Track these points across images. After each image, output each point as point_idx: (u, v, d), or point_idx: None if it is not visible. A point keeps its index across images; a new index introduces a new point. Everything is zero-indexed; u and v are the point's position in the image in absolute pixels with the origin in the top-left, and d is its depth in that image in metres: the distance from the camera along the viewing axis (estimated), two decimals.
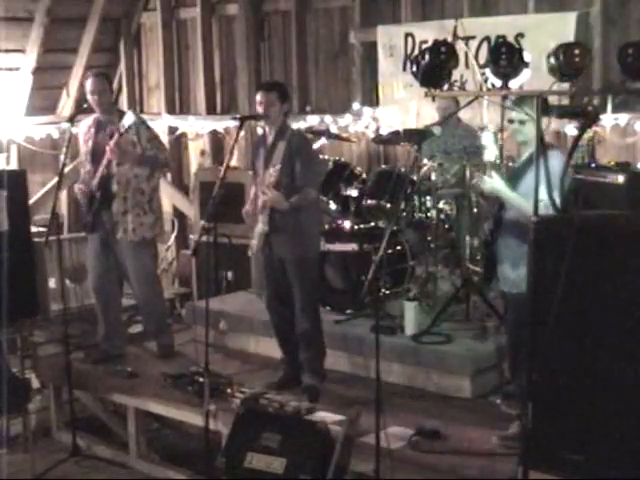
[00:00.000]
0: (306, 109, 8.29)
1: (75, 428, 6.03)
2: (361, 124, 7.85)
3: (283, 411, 4.88)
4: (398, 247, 6.50)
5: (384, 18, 7.77)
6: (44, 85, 8.97)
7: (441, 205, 6.53)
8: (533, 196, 4.09)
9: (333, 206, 6.72)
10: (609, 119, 6.40)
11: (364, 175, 6.90)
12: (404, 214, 6.47)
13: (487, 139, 5.56)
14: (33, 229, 6.88)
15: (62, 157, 5.88)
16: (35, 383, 6.64)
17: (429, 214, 6.50)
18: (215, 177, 5.30)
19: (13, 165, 8.77)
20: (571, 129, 6.45)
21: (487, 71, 4.45)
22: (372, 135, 7.72)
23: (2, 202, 6.33)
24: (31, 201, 7.63)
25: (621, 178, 4.07)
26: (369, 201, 6.54)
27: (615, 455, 3.78)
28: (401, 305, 6.13)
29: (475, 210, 6.30)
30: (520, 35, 6.63)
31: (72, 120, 6.10)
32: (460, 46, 6.61)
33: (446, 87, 4.52)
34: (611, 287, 3.75)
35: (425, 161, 6.46)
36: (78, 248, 7.47)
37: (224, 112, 8.85)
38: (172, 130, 9.09)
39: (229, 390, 5.53)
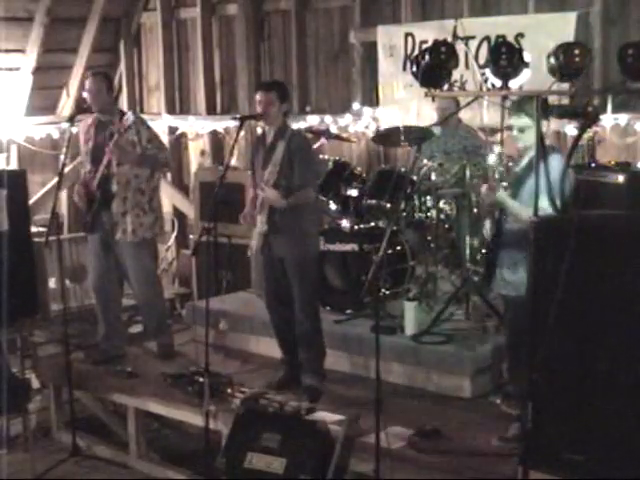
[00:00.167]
0: (306, 109, 8.29)
1: (75, 428, 6.02)
2: (361, 124, 7.85)
3: (283, 411, 4.88)
4: (398, 247, 6.51)
5: (384, 18, 7.77)
6: (44, 85, 8.97)
7: (441, 205, 6.52)
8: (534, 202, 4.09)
9: (333, 206, 6.72)
10: (609, 119, 6.40)
11: (364, 175, 6.90)
12: (404, 214, 6.47)
13: (492, 160, 5.56)
14: (33, 229, 6.88)
15: (62, 157, 5.88)
16: (35, 383, 6.64)
17: (429, 214, 6.50)
18: (215, 177, 5.30)
19: (13, 165, 8.77)
20: (571, 129, 6.45)
21: (487, 71, 4.46)
22: (372, 135, 7.72)
23: (2, 202, 6.32)
24: (31, 201, 7.63)
25: (621, 178, 4.08)
26: (369, 201, 6.54)
27: (615, 455, 3.79)
28: (401, 305, 6.13)
29: (475, 210, 6.30)
30: (520, 35, 6.63)
31: (72, 120, 6.11)
32: (460, 46, 6.62)
33: (446, 87, 4.52)
34: (611, 287, 3.75)
35: (425, 161, 6.46)
36: (78, 248, 7.48)
37: (224, 112, 8.85)
38: (172, 130, 9.09)
39: (229, 390, 5.53)
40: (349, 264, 6.47)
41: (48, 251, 6.64)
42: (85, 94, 6.20)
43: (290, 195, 5.33)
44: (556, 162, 4.36)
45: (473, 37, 6.91)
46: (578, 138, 4.58)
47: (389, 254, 6.29)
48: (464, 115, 6.76)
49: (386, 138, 7.15)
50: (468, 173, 6.20)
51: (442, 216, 6.53)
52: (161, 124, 8.87)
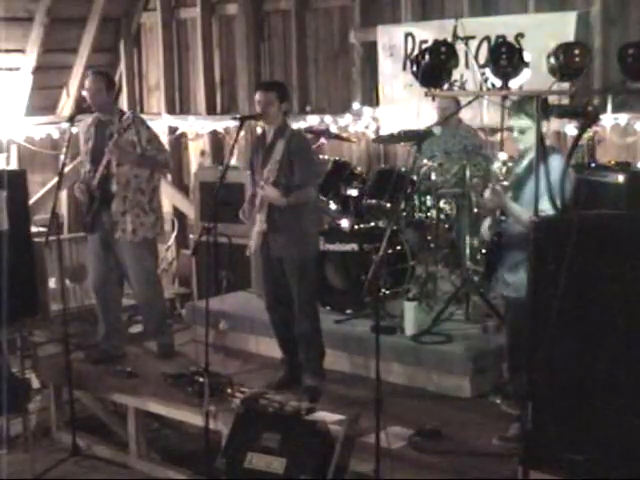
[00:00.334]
0: (306, 109, 8.29)
1: (75, 428, 6.02)
2: (361, 124, 7.85)
3: (283, 411, 4.87)
4: (398, 247, 6.51)
5: (384, 18, 7.77)
6: (44, 85, 8.97)
7: (441, 205, 6.53)
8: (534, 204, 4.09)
9: (333, 206, 6.72)
10: (609, 119, 6.40)
11: (364, 175, 6.90)
12: (404, 214, 6.47)
13: (496, 166, 5.58)
14: (33, 229, 6.88)
15: (62, 157, 5.88)
16: (35, 383, 6.65)
17: (429, 214, 6.50)
18: (215, 177, 5.29)
19: (13, 165, 8.77)
20: (571, 129, 6.45)
21: (487, 71, 4.45)
22: (372, 135, 7.72)
23: (2, 202, 6.32)
24: (31, 201, 7.63)
25: (621, 178, 4.08)
26: (369, 201, 6.54)
27: (615, 455, 3.79)
28: (401, 305, 6.13)
29: (475, 210, 6.30)
30: (520, 35, 6.62)
31: (72, 120, 6.11)
32: (460, 46, 6.62)
33: (446, 87, 4.52)
34: (611, 287, 3.75)
35: (425, 161, 6.46)
36: (78, 248, 7.47)
37: (224, 112, 8.85)
38: (172, 130, 9.09)
39: (229, 390, 5.53)
40: (349, 264, 6.47)
41: (48, 251, 6.64)
42: (84, 93, 6.21)
43: (290, 194, 5.33)
44: (556, 162, 4.36)
45: (473, 37, 6.91)
46: (578, 138, 4.59)
47: (389, 254, 6.29)
48: (464, 115, 6.76)
49: (386, 138, 7.18)
50: (468, 173, 6.20)
51: (442, 216, 6.53)
52: (161, 124, 8.87)
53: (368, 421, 4.61)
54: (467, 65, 6.81)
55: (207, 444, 5.11)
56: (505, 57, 4.16)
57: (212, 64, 8.93)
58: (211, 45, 8.87)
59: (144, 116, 6.93)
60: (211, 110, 8.92)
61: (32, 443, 6.05)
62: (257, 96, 5.44)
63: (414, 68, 4.58)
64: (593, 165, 5.58)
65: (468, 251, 6.25)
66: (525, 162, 4.65)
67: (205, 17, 8.78)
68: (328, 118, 7.98)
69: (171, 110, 9.20)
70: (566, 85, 4.26)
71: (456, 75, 5.20)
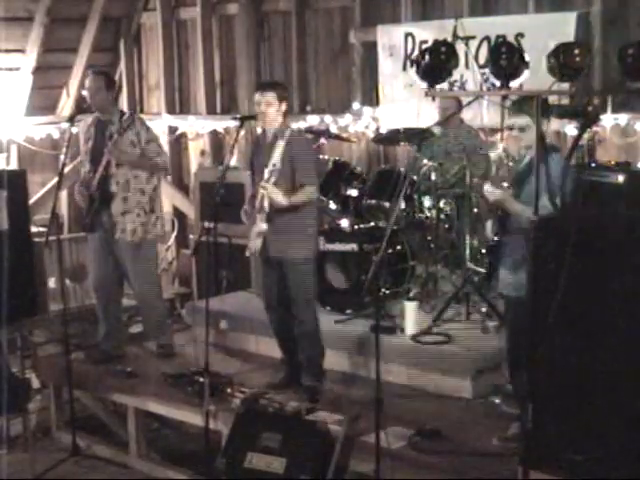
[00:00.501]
0: (306, 109, 8.29)
1: (75, 428, 6.02)
2: (361, 124, 7.85)
3: (283, 411, 4.88)
4: (398, 247, 6.51)
5: (384, 18, 7.77)
6: (44, 85, 8.97)
7: (441, 205, 6.53)
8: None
9: (333, 206, 6.72)
10: (609, 119, 6.40)
11: (364, 175, 6.90)
12: (404, 214, 6.47)
13: (495, 155, 5.60)
14: (33, 229, 6.89)
15: (62, 157, 5.88)
16: (35, 383, 6.64)
17: (429, 214, 6.51)
18: (215, 177, 5.29)
19: (13, 165, 8.77)
20: (571, 129, 6.45)
21: (487, 71, 4.45)
22: (372, 135, 7.72)
23: (2, 202, 6.33)
24: (31, 201, 7.63)
25: (621, 178, 4.07)
26: (369, 201, 6.54)
27: (615, 455, 3.79)
28: (401, 305, 6.13)
29: (475, 210, 6.30)
30: (520, 35, 6.62)
31: (72, 120, 6.11)
32: (460, 46, 6.63)
33: (446, 87, 4.52)
34: (611, 287, 3.75)
35: (425, 161, 6.46)
36: (78, 248, 7.47)
37: (224, 112, 8.85)
38: (172, 130, 9.09)
39: (229, 390, 5.53)
40: (349, 264, 6.48)
41: (48, 251, 6.64)
42: (84, 92, 6.22)
43: (291, 194, 5.33)
44: (556, 161, 4.36)
45: (473, 37, 6.92)
46: (578, 138, 4.59)
47: (389, 254, 6.30)
48: (464, 115, 6.76)
49: (386, 138, 7.18)
50: (468, 173, 6.20)
51: (442, 216, 6.53)
52: (161, 124, 8.87)
53: (368, 421, 4.62)
54: (467, 65, 6.82)
55: (207, 444, 5.11)
56: (505, 57, 4.16)
57: (212, 64, 8.93)
58: (211, 45, 8.86)
59: (144, 116, 6.94)
60: (211, 110, 8.92)
61: (32, 443, 6.04)
62: (256, 96, 5.44)
63: (415, 68, 4.57)
64: (593, 165, 5.58)
65: (468, 251, 6.25)
66: (526, 160, 4.66)
67: (205, 17, 8.78)
68: (328, 118, 7.97)
69: (171, 110, 9.19)
70: (566, 85, 4.26)
71: (456, 75, 5.21)
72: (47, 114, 9.14)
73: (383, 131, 7.57)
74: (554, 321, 3.79)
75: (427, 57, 4.28)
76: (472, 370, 5.52)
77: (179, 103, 9.30)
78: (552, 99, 4.61)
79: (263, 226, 5.38)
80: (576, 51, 4.05)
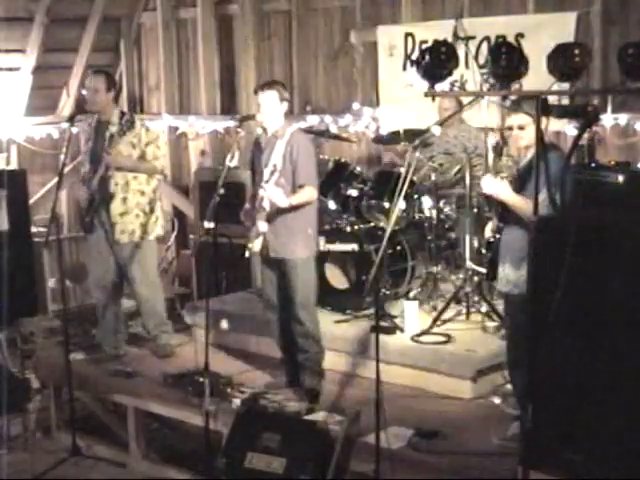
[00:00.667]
0: (306, 109, 8.29)
1: (75, 428, 6.02)
2: (361, 124, 7.85)
3: (283, 411, 4.88)
4: (398, 247, 6.51)
5: (384, 18, 7.77)
6: (44, 85, 8.97)
7: (441, 205, 6.53)
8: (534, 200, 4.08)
9: (333, 206, 6.72)
10: (609, 119, 6.41)
11: (364, 175, 6.90)
12: (404, 214, 6.47)
13: (490, 144, 5.61)
14: (33, 229, 6.89)
15: (62, 157, 5.88)
16: (35, 383, 6.64)
17: (429, 214, 6.51)
18: (215, 177, 5.29)
19: (13, 165, 8.77)
20: (571, 129, 6.45)
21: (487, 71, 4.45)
22: (372, 135, 7.72)
23: (2, 202, 6.33)
24: (31, 201, 7.63)
25: (621, 178, 4.07)
26: (369, 201, 6.54)
27: (615, 455, 3.79)
28: (401, 305, 6.13)
29: (475, 210, 6.30)
30: (520, 35, 6.63)
31: (72, 120, 6.10)
32: (460, 46, 6.63)
33: (446, 87, 4.52)
34: (611, 287, 3.75)
35: (425, 161, 6.46)
36: (78, 248, 7.50)
37: (224, 112, 8.85)
38: (172, 130, 9.09)
39: (229, 390, 5.53)
40: (349, 264, 6.48)
41: (48, 251, 6.64)
42: (85, 92, 6.23)
43: (291, 195, 5.33)
44: (555, 159, 4.36)
45: (473, 37, 6.92)
46: (578, 138, 4.56)
47: (389, 254, 6.30)
48: (464, 115, 6.76)
49: (386, 138, 7.18)
50: (468, 173, 6.20)
51: (442, 216, 6.53)
52: (161, 124, 8.87)
53: (368, 421, 4.62)
54: (467, 65, 6.81)
55: (207, 444, 5.10)
56: (505, 57, 4.16)
57: (212, 64, 8.92)
58: (211, 45, 8.86)
59: (144, 116, 6.94)
60: (211, 110, 8.92)
61: (32, 443, 6.05)
62: (256, 96, 5.44)
63: (415, 68, 4.57)
64: (593, 165, 5.57)
65: (468, 251, 6.25)
66: (526, 159, 4.66)
67: (205, 17, 8.77)
68: (328, 118, 7.98)
69: (171, 110, 9.19)
70: (566, 85, 4.26)
71: (456, 75, 5.20)
72: (47, 114, 9.13)
73: (383, 131, 7.58)
74: (554, 321, 3.78)
75: (427, 57, 4.28)
76: (472, 370, 5.52)
77: (179, 103, 9.29)
78: (552, 99, 4.60)
79: (263, 226, 5.38)
80: (576, 51, 4.06)
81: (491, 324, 5.94)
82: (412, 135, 6.49)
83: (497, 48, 4.32)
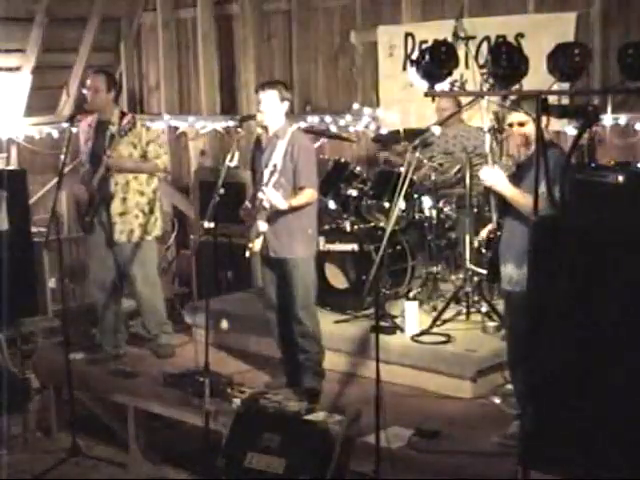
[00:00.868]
0: (306, 109, 8.29)
1: (75, 428, 6.02)
2: (361, 124, 7.86)
3: (283, 411, 4.88)
4: (398, 247, 6.51)
5: (384, 18, 7.77)
6: (44, 85, 8.96)
7: (441, 205, 6.53)
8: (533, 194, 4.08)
9: (333, 206, 6.72)
10: (609, 119, 6.40)
11: (364, 175, 6.90)
12: (404, 214, 6.47)
13: (486, 127, 5.63)
14: (33, 229, 6.89)
15: (62, 157, 5.88)
16: (35, 383, 6.65)
17: (429, 214, 6.51)
18: (215, 177, 5.29)
19: (13, 165, 8.77)
20: (571, 129, 6.45)
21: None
22: (372, 135, 7.72)
23: (2, 202, 6.33)
24: (31, 201, 7.63)
25: (621, 178, 4.06)
26: (369, 201, 6.54)
27: (615, 455, 3.78)
28: (401, 305, 6.13)
29: (475, 210, 6.30)
30: (520, 35, 6.63)
31: (72, 120, 6.11)
32: (460, 46, 6.63)
33: (446, 87, 4.52)
34: (611, 287, 3.75)
35: (425, 161, 6.46)
36: (78, 248, 7.49)
37: (224, 112, 8.85)
38: (172, 130, 9.09)
39: (229, 390, 5.53)
40: (349, 264, 6.47)
41: (48, 251, 6.64)
42: (85, 92, 6.23)
43: (291, 195, 5.33)
44: (553, 157, 4.36)
45: (473, 37, 6.92)
46: (578, 138, 4.57)
47: (389, 254, 6.29)
48: (464, 115, 6.76)
49: (386, 138, 7.18)
50: (468, 173, 6.20)
51: (442, 216, 6.53)
52: (161, 124, 8.87)
53: (368, 421, 4.61)
54: (467, 65, 6.82)
55: (207, 444, 5.10)
56: (505, 57, 4.16)
57: (212, 64, 8.92)
58: (211, 45, 8.86)
59: (144, 116, 6.94)
60: (211, 110, 8.92)
61: (32, 443, 6.05)
62: (257, 96, 5.44)
63: (415, 68, 4.57)
64: (593, 165, 5.58)
65: (468, 251, 6.25)
66: (525, 156, 4.66)
67: (205, 17, 8.77)
68: (328, 118, 7.98)
69: (171, 110, 9.19)
70: (566, 85, 4.26)
71: (456, 75, 5.20)
72: (47, 114, 9.13)
73: (383, 131, 7.58)
74: (554, 320, 3.78)
75: (427, 57, 4.28)
76: (472, 370, 5.52)
77: (179, 103, 9.29)
78: (552, 99, 4.61)
79: (263, 226, 5.37)
80: (576, 51, 4.06)
81: (491, 324, 5.93)
82: (412, 135, 6.49)
83: (497, 48, 4.32)
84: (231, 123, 8.37)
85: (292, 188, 5.36)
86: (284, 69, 8.47)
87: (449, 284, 6.51)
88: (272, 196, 5.27)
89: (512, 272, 4.66)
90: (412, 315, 5.95)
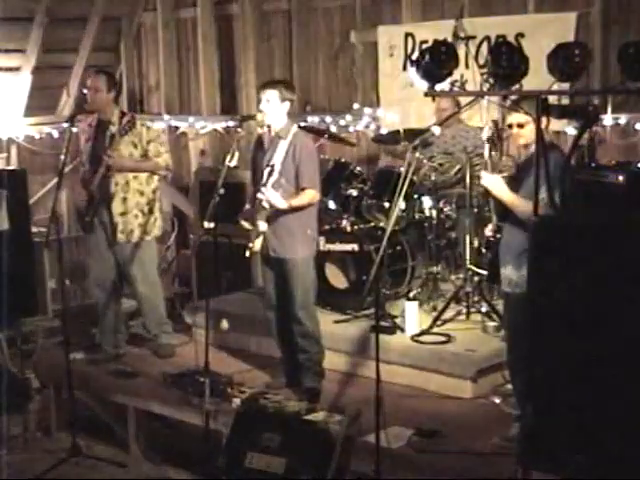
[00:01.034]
0: (306, 109, 8.29)
1: (75, 428, 6.02)
2: (361, 124, 7.85)
3: (283, 411, 4.88)
4: (398, 247, 6.51)
5: (384, 18, 7.77)
6: (44, 85, 8.96)
7: (441, 205, 6.53)
8: (533, 197, 4.08)
9: (333, 206, 6.72)
10: (609, 119, 6.40)
11: (364, 175, 6.90)
12: (404, 214, 6.47)
13: (485, 136, 5.63)
14: (33, 229, 6.88)
15: (62, 157, 5.88)
16: (35, 383, 6.64)
17: (429, 214, 6.51)
18: (215, 177, 5.29)
19: (13, 165, 8.77)
20: (571, 129, 6.45)
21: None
22: (372, 135, 7.72)
23: (2, 202, 6.33)
24: (31, 201, 7.63)
25: (621, 178, 4.07)
26: (369, 201, 6.54)
27: (616, 455, 3.78)
28: (401, 305, 6.13)
29: (475, 210, 6.30)
30: (520, 35, 6.63)
31: (72, 120, 6.11)
32: (460, 46, 6.63)
33: (446, 87, 4.52)
34: (611, 287, 3.75)
35: (425, 161, 6.46)
36: (78, 248, 7.48)
37: (224, 112, 8.85)
38: (172, 130, 9.09)
39: (229, 390, 5.53)
40: (349, 264, 6.48)
41: (48, 251, 6.63)
42: (85, 92, 6.24)
43: (291, 196, 5.33)
44: (554, 159, 4.36)
45: (473, 37, 6.93)
46: (578, 138, 4.57)
47: (389, 254, 6.29)
48: (463, 115, 6.76)
49: (386, 138, 7.18)
50: (468, 173, 6.20)
51: (442, 216, 6.53)
52: (161, 124, 8.86)
53: (368, 421, 4.61)
54: (467, 65, 6.82)
55: (207, 444, 5.10)
56: (505, 57, 4.16)
57: (212, 64, 8.92)
58: (211, 45, 8.86)
59: (144, 116, 6.93)
60: (211, 110, 8.92)
61: (32, 443, 6.05)
62: (259, 95, 5.43)
63: (414, 68, 4.57)
64: (593, 165, 5.58)
65: (468, 251, 6.25)
66: (525, 157, 4.66)
67: (205, 17, 8.77)
68: (328, 118, 7.98)
69: (171, 110, 9.19)
70: (566, 85, 4.26)
71: (456, 75, 5.20)
72: (47, 114, 9.13)
73: (383, 131, 7.58)
74: (554, 321, 3.78)
75: (427, 57, 4.28)
76: (472, 370, 5.52)
77: (179, 103, 9.29)
78: (552, 99, 4.61)
79: (263, 226, 5.37)
80: (576, 51, 4.06)
81: (491, 324, 5.93)
82: (412, 135, 6.49)
83: (497, 48, 4.32)
84: (231, 123, 8.38)
85: (294, 188, 5.36)
86: (284, 69, 8.47)
87: (449, 284, 6.51)
88: (271, 196, 5.27)
89: (511, 274, 4.66)
90: (412, 315, 5.95)
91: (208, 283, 6.59)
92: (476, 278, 6.17)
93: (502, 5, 7.13)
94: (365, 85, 7.94)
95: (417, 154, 6.11)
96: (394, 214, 5.11)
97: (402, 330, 5.96)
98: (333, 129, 7.81)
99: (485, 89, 5.88)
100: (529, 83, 4.35)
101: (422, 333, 5.89)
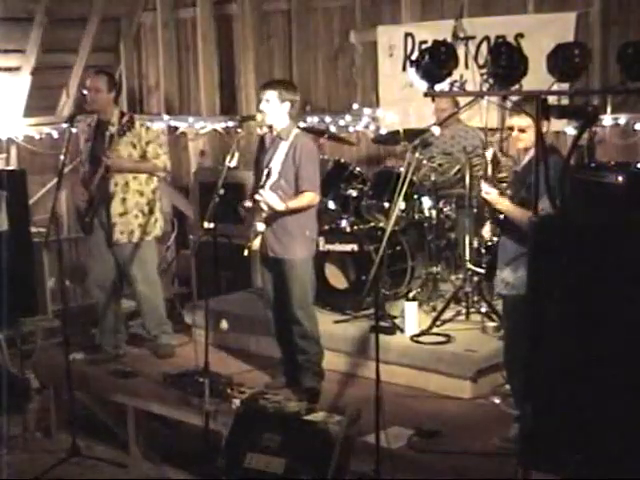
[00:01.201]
0: (306, 109, 8.29)
1: (75, 428, 6.02)
2: (361, 124, 7.86)
3: (283, 411, 4.88)
4: (398, 247, 6.51)
5: (384, 18, 7.77)
6: (44, 85, 8.96)
7: (441, 205, 6.53)
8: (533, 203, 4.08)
9: (333, 206, 6.72)
10: (609, 119, 6.41)
11: (364, 175, 6.90)
12: (404, 214, 6.47)
13: (490, 157, 5.62)
14: (33, 229, 6.89)
15: (62, 157, 5.88)
16: (35, 383, 6.65)
17: (429, 214, 6.51)
18: (215, 177, 5.29)
19: (13, 165, 8.77)
20: (571, 129, 6.46)
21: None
22: (372, 135, 7.72)
23: (2, 202, 6.33)
24: (31, 201, 7.63)
25: (621, 178, 4.06)
26: (369, 201, 6.54)
27: (616, 455, 3.78)
28: (401, 305, 6.13)
29: (475, 210, 6.30)
30: (520, 35, 6.64)
31: (72, 120, 6.10)
32: (460, 46, 6.63)
33: (446, 87, 4.52)
34: (611, 287, 3.75)
35: (425, 162, 6.46)
36: (78, 248, 7.48)
37: (224, 112, 8.85)
38: (172, 130, 9.09)
39: (229, 390, 5.53)
40: (349, 264, 6.47)
41: (48, 251, 6.63)
42: (85, 92, 6.23)
43: (291, 197, 5.32)
44: (554, 163, 4.36)
45: (473, 37, 6.93)
46: (578, 138, 4.56)
47: (389, 254, 6.29)
48: (463, 115, 6.76)
49: (386, 139, 7.18)
50: (468, 173, 6.20)
51: (442, 216, 6.53)
52: (161, 124, 8.86)
53: (368, 421, 4.61)
54: (467, 65, 6.82)
55: (207, 444, 5.10)
56: (505, 57, 4.16)
57: (212, 64, 8.92)
58: (211, 45, 8.86)
59: (144, 116, 6.93)
60: (210, 110, 8.92)
61: (32, 443, 6.05)
62: (260, 95, 5.43)
63: (414, 69, 4.57)
64: (593, 165, 5.58)
65: (468, 251, 6.25)
66: (525, 161, 4.66)
67: (205, 17, 8.77)
68: (328, 118, 7.98)
69: (171, 110, 9.19)
70: (566, 85, 4.26)
71: (456, 75, 5.20)
72: (47, 114, 9.13)
73: (383, 131, 7.58)
74: (554, 321, 3.78)
75: (427, 57, 4.28)
76: (472, 370, 5.52)
77: (179, 103, 9.29)
78: (552, 99, 4.61)
79: (261, 226, 5.37)
80: (576, 51, 4.06)
81: (491, 324, 5.94)
82: (412, 135, 6.49)
83: (497, 48, 4.31)
84: (231, 123, 8.38)
85: (293, 190, 5.35)
86: (284, 69, 8.48)
87: (449, 284, 6.51)
88: (268, 198, 5.26)
89: (508, 276, 4.66)
90: (412, 315, 5.95)
91: (208, 283, 6.59)
92: (476, 278, 6.17)
93: (502, 5, 7.13)
94: (365, 85, 7.94)
95: (417, 154, 6.11)
96: (394, 214, 5.10)
97: (402, 330, 5.96)
98: (333, 129, 7.81)
99: (485, 89, 5.89)
100: (529, 83, 4.35)
101: (422, 333, 5.89)
